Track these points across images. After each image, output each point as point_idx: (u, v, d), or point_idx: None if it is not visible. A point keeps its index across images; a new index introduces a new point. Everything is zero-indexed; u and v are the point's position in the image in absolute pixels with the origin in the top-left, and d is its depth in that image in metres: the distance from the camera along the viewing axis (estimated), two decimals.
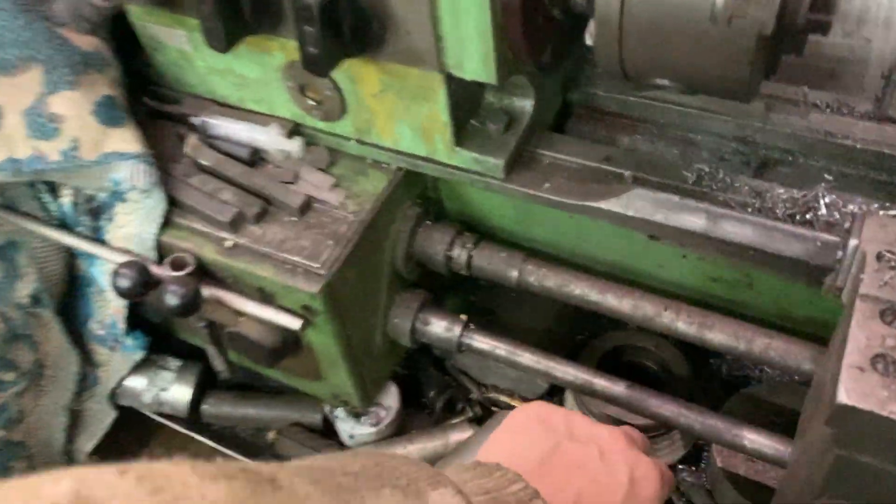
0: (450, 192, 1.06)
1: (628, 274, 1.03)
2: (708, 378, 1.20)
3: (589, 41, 0.76)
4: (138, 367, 1.20)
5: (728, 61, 0.70)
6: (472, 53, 0.80)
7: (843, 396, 0.64)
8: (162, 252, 0.97)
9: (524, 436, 0.70)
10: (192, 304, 0.92)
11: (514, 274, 1.00)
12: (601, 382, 0.98)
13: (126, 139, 0.95)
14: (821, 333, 0.86)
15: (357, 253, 0.93)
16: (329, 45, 0.79)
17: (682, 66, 0.73)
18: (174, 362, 1.23)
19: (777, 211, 0.83)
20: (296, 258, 0.91)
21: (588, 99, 1.04)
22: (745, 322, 0.91)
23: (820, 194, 0.84)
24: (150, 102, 1.08)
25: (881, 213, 0.81)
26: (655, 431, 1.11)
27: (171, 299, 0.91)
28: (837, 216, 0.82)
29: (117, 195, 0.97)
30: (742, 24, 0.66)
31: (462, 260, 1.02)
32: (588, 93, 1.04)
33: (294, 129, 1.00)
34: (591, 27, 0.75)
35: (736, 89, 0.73)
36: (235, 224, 0.95)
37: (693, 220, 0.83)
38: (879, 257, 0.72)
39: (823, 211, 0.82)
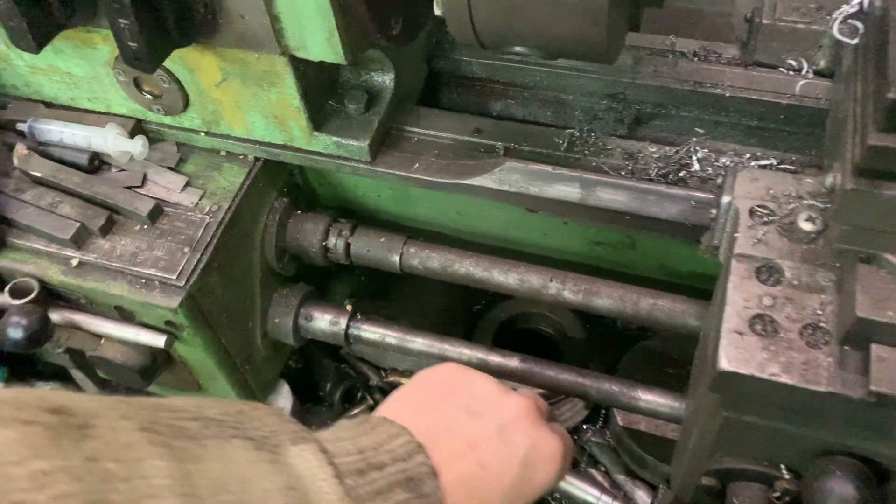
0: (318, 178, 1.00)
1: (514, 245, 0.99)
2: (604, 334, 1.19)
3: (437, 11, 0.70)
4: None
5: (584, 23, 0.65)
6: (314, 32, 0.72)
7: (724, 363, 0.63)
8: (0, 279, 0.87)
9: (426, 400, 0.65)
10: (41, 334, 0.83)
11: (396, 259, 0.95)
12: (495, 359, 0.95)
13: None
14: (708, 287, 0.85)
15: (219, 257, 0.86)
16: (150, 37, 0.70)
17: (538, 32, 0.68)
18: (42, 386, 1.13)
19: (650, 172, 0.80)
20: (151, 271, 0.83)
21: (455, 66, 0.98)
22: (630, 285, 0.89)
23: (692, 149, 0.82)
24: None
25: (753, 164, 0.80)
26: (556, 397, 1.09)
27: (15, 332, 0.82)
28: (710, 171, 0.80)
29: None
30: None
31: (339, 249, 0.96)
32: (454, 59, 0.98)
33: (136, 127, 0.91)
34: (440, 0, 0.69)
35: (595, 51, 0.69)
36: (79, 239, 0.85)
37: (567, 189, 0.80)
38: (752, 213, 0.71)
39: (696, 167, 0.80)
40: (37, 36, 0.75)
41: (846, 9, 0.64)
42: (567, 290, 0.90)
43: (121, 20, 0.68)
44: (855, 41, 0.64)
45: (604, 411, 1.13)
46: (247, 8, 0.71)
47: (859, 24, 0.64)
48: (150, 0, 0.69)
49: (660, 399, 0.89)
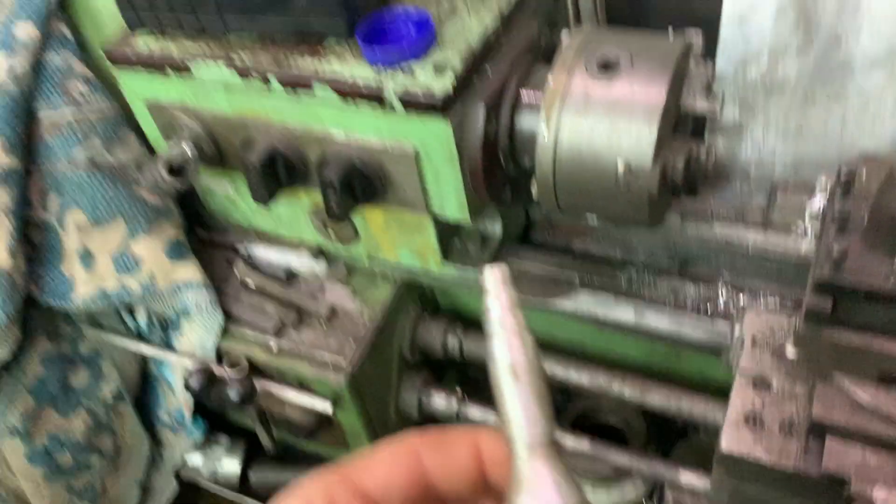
0: (442, 293, 1.34)
1: (588, 350, 1.29)
2: (663, 427, 1.46)
3: (534, 191, 1.04)
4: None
5: (633, 209, 0.97)
6: (451, 202, 1.08)
7: (724, 446, 0.90)
8: (220, 356, 1.25)
9: None
10: (248, 398, 1.19)
11: None
12: (570, 442, 1.24)
13: (190, 270, 1.23)
14: None
15: (373, 349, 1.20)
16: (346, 202, 1.07)
17: (602, 211, 1.01)
18: (224, 438, 1.50)
19: (688, 304, 1.10)
20: (326, 356, 1.18)
21: (547, 215, 1.32)
22: (676, 387, 1.17)
23: (720, 290, 1.11)
24: (203, 234, 1.37)
25: (762, 303, 1.08)
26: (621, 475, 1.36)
27: (233, 395, 1.18)
28: (731, 306, 1.09)
29: (184, 313, 1.25)
30: (636, 189, 0.94)
31: (455, 347, 1.29)
32: (545, 211, 1.32)
33: (319, 252, 1.29)
34: (534, 185, 1.03)
35: (642, 223, 1.01)
36: (278, 331, 1.22)
37: (625, 314, 1.11)
38: (754, 341, 0.99)
39: (721, 303, 1.09)
40: (268, 194, 1.14)
41: (815, 202, 0.94)
42: (626, 388, 1.19)
43: (330, 192, 1.05)
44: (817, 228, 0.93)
45: (658, 491, 1.38)
46: (408, 185, 1.08)
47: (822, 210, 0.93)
48: (350, 179, 1.06)
49: (696, 479, 1.16)
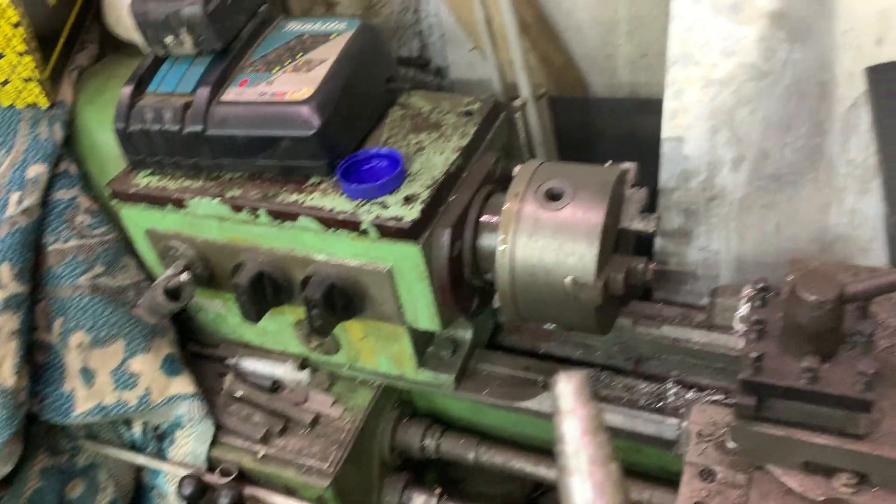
0: (419, 396, 1.44)
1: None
2: None
3: (497, 305, 1.16)
4: None
5: (582, 319, 1.10)
6: (423, 314, 1.19)
7: None
8: (211, 463, 1.32)
9: None
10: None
11: (472, 455, 1.36)
12: None
13: (184, 384, 1.33)
14: None
15: (354, 452, 1.29)
16: (328, 318, 1.18)
17: (557, 319, 1.13)
18: None
19: (640, 402, 1.21)
20: (310, 462, 1.27)
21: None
22: (639, 479, 1.26)
23: (669, 387, 1.22)
24: (194, 348, 1.47)
25: (707, 398, 1.19)
26: None
27: (224, 502, 1.25)
28: (680, 402, 1.20)
29: (177, 424, 1.34)
30: (583, 300, 1.06)
31: (432, 448, 1.38)
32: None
33: (303, 362, 1.39)
34: (496, 297, 1.15)
35: (592, 332, 1.13)
36: (265, 439, 1.31)
37: None
38: (699, 434, 1.09)
39: (671, 399, 1.20)
40: (256, 313, 1.25)
41: (742, 309, 1.06)
42: None
43: (313, 310, 1.17)
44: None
45: None
46: (384, 300, 1.19)
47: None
48: (331, 299, 1.17)
49: None
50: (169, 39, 1.22)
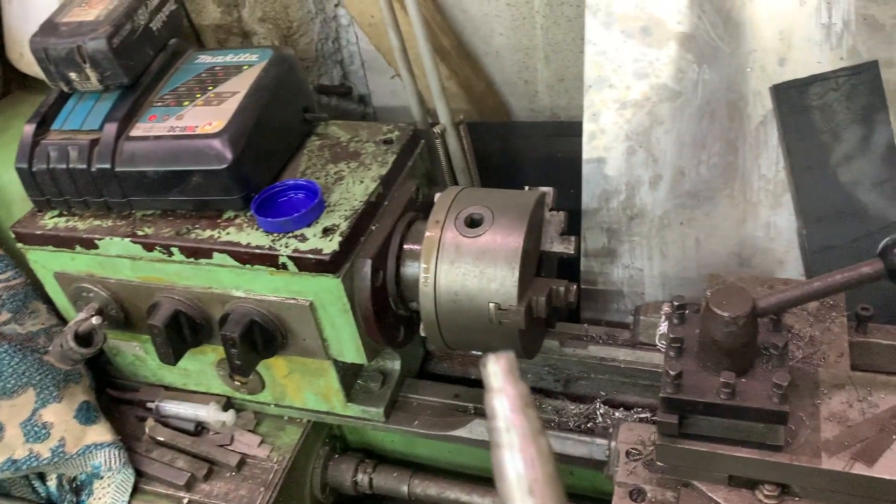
0: (350, 430, 1.41)
1: (489, 473, 1.37)
2: None
3: (423, 333, 1.15)
4: None
5: (508, 343, 1.09)
6: (348, 348, 1.17)
7: None
8: None
9: None
10: None
11: (405, 488, 1.34)
12: None
13: (101, 432, 1.27)
14: None
15: (284, 494, 1.25)
16: (248, 357, 1.15)
17: (483, 346, 1.12)
18: None
19: (570, 423, 1.21)
20: None
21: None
22: (571, 500, 1.25)
23: (597, 407, 1.22)
24: (112, 393, 1.41)
25: (635, 416, 1.20)
26: None
27: None
28: (608, 422, 1.20)
29: (95, 475, 1.27)
30: (507, 325, 1.06)
31: (365, 483, 1.35)
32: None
33: (227, 403, 1.34)
34: (422, 326, 1.14)
35: (520, 354, 1.12)
36: (189, 485, 1.25)
37: None
38: (628, 454, 1.10)
39: (599, 419, 1.21)
40: (174, 354, 1.20)
41: (662, 328, 1.08)
42: None
43: (232, 350, 1.13)
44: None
45: None
46: (307, 335, 1.17)
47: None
48: (251, 336, 1.14)
49: None
50: (73, 75, 1.18)
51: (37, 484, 1.32)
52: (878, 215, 1.41)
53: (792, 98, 1.37)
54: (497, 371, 0.38)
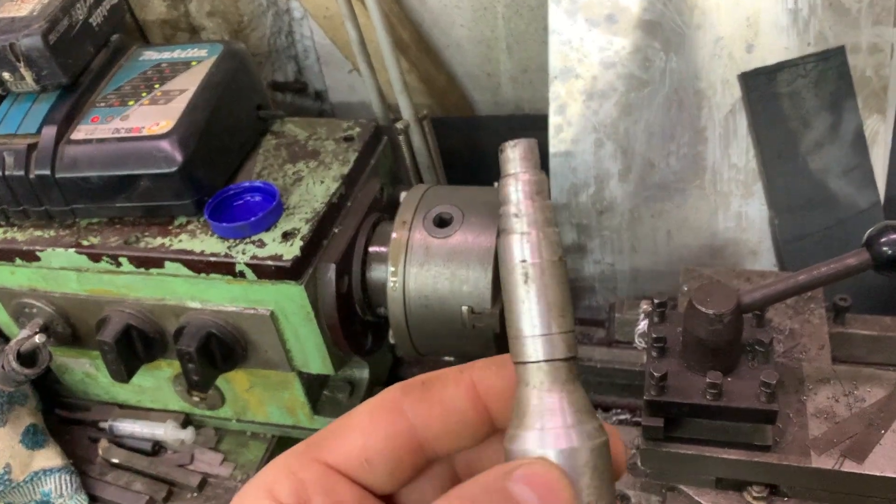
0: None
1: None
2: None
3: (392, 340, 1.09)
4: None
5: (482, 348, 1.04)
6: (313, 358, 1.11)
7: None
8: None
9: None
10: None
11: None
12: None
13: (50, 456, 1.19)
14: None
15: None
16: (206, 371, 1.08)
17: (455, 351, 1.07)
18: None
19: None
20: None
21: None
22: None
23: None
24: (62, 413, 1.32)
25: (614, 418, 1.16)
26: None
27: None
28: None
29: (45, 503, 1.19)
30: (481, 328, 1.01)
31: None
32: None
33: (186, 420, 1.27)
34: (391, 332, 1.08)
35: None
36: None
37: None
38: None
39: None
40: (126, 372, 1.13)
41: (641, 326, 1.04)
42: None
43: (189, 364, 1.06)
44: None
45: None
46: (269, 346, 1.10)
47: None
48: (209, 348, 1.07)
49: None
50: (7, 76, 1.10)
51: None
52: (849, 203, 1.40)
53: (760, 86, 1.35)
54: (514, 157, 0.35)
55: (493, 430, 0.39)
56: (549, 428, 0.34)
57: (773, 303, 0.89)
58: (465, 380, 0.39)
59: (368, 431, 0.38)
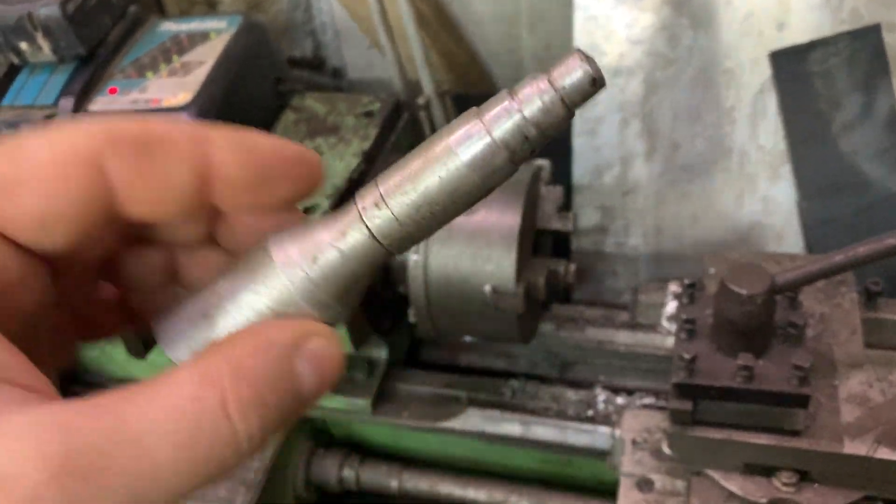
0: (335, 424, 1.33)
1: (484, 466, 1.30)
2: None
3: (412, 319, 1.07)
4: None
5: (504, 328, 1.02)
6: None
7: None
8: None
9: None
10: None
11: (395, 483, 1.26)
12: None
13: None
14: None
15: (265, 494, 1.17)
16: None
17: (477, 332, 1.05)
18: None
19: (569, 411, 1.14)
20: None
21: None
22: (572, 493, 1.19)
23: (597, 393, 1.16)
24: (78, 391, 1.31)
25: (639, 402, 1.14)
26: None
27: None
28: (611, 409, 1.14)
29: None
30: (504, 308, 0.99)
31: (352, 479, 1.27)
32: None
33: None
34: (411, 311, 1.06)
35: (514, 340, 1.05)
36: None
37: (512, 428, 1.13)
38: (634, 442, 1.03)
39: (601, 406, 1.14)
40: (145, 346, 1.12)
41: (669, 308, 1.01)
42: (524, 501, 1.20)
43: None
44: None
45: None
46: None
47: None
48: None
49: None
50: (24, 46, 1.08)
51: None
52: (880, 185, 1.36)
53: (791, 65, 1.31)
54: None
55: (213, 211, 0.34)
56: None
57: (808, 283, 0.86)
58: (197, 154, 0.32)
59: (51, 191, 0.30)
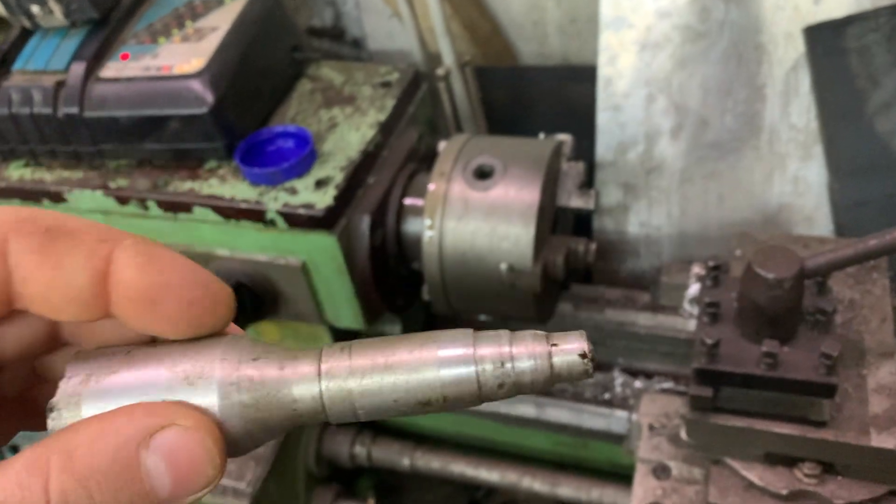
0: None
1: (498, 446, 1.28)
2: None
3: (426, 297, 1.05)
4: None
5: (520, 307, 0.99)
6: (345, 312, 1.07)
7: None
8: None
9: None
10: None
11: (407, 460, 1.25)
12: None
13: None
14: None
15: (276, 468, 1.16)
16: (236, 319, 1.04)
17: (492, 310, 1.02)
18: None
19: (586, 394, 1.11)
20: (226, 481, 1.13)
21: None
22: (586, 475, 1.17)
23: (615, 376, 1.13)
24: None
25: (657, 387, 1.11)
26: None
27: None
28: (628, 392, 1.11)
29: None
30: (520, 287, 0.96)
31: (363, 456, 1.26)
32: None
33: None
34: (425, 288, 1.04)
35: (532, 321, 1.02)
36: None
37: (526, 410, 1.11)
38: (651, 428, 1.01)
39: (618, 390, 1.11)
40: None
41: (692, 290, 0.98)
42: (536, 482, 1.18)
43: None
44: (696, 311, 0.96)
45: None
46: (299, 297, 1.06)
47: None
48: (238, 297, 1.04)
49: None
50: (36, 9, 1.06)
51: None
52: None
53: (827, 40, 1.25)
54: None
55: (106, 314, 0.31)
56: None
57: (839, 269, 0.82)
58: (101, 255, 0.30)
59: None
